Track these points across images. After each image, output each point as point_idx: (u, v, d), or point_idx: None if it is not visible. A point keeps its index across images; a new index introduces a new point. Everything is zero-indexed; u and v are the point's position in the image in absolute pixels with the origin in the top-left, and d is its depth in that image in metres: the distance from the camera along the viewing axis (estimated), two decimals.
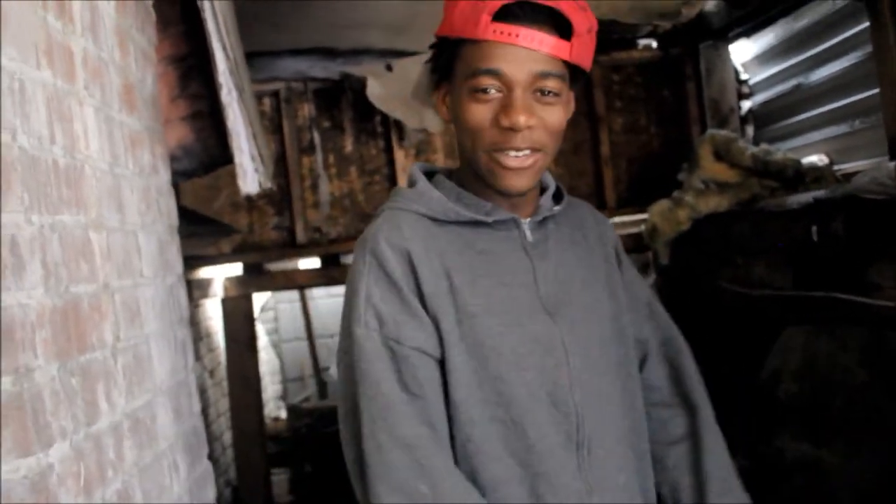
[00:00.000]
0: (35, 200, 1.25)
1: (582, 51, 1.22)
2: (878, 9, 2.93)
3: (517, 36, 1.17)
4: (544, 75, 1.19)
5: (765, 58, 4.18)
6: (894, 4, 2.81)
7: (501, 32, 1.17)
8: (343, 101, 4.30)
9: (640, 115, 4.57)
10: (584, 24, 1.20)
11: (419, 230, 1.25)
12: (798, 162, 3.63)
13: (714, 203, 3.85)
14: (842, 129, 3.56)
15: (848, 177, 3.37)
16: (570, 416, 1.24)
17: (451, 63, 1.26)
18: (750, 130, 4.39)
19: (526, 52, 1.18)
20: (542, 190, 1.39)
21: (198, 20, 2.23)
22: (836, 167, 3.56)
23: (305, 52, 4.12)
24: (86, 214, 1.46)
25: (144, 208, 1.82)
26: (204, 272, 4.31)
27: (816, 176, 3.54)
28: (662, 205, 4.01)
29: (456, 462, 1.20)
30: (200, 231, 3.56)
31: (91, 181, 1.50)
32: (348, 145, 4.35)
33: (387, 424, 1.16)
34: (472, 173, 1.30)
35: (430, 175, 1.37)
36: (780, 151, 3.81)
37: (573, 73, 1.25)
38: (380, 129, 4.35)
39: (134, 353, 1.64)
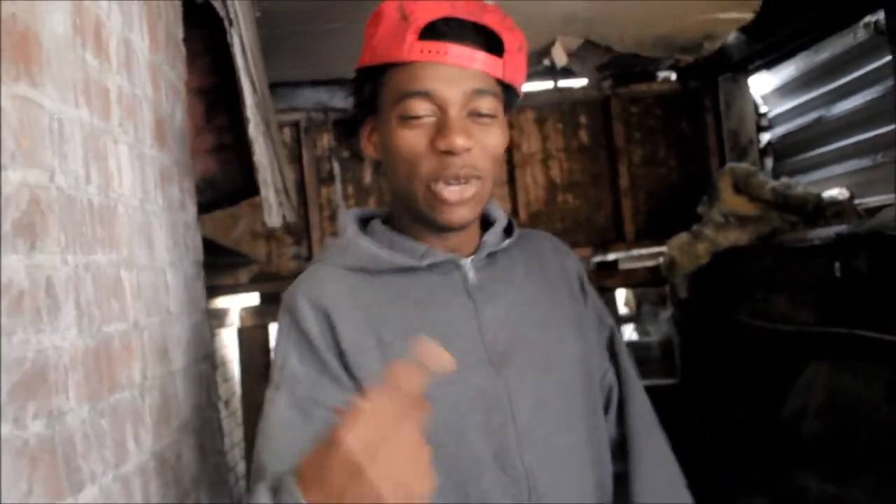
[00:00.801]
0: (71, 241, 1.25)
1: (514, 69, 1.15)
2: None
3: (446, 53, 1.09)
4: (478, 93, 1.11)
5: (785, 90, 4.18)
6: None
7: (429, 51, 1.09)
8: None
9: (660, 147, 4.57)
10: (515, 41, 1.13)
11: (344, 285, 1.16)
12: (819, 196, 3.62)
13: (734, 237, 3.83)
14: (863, 162, 3.55)
15: (870, 211, 3.35)
16: (519, 481, 1.12)
17: (375, 93, 1.18)
18: (769, 163, 4.38)
19: (457, 69, 1.10)
20: (489, 224, 1.28)
21: (223, 53, 2.24)
22: (857, 201, 3.55)
23: (326, 82, 4.14)
24: (118, 253, 1.45)
25: (172, 244, 1.81)
26: (220, 301, 4.31)
27: (837, 210, 3.52)
28: (681, 238, 4.00)
29: None
30: (219, 261, 3.56)
31: (123, 219, 1.49)
32: (367, 176, 4.35)
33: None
34: (407, 212, 1.20)
35: (367, 221, 1.28)
36: (801, 185, 3.80)
37: (507, 96, 1.18)
38: None
39: (161, 392, 1.62)
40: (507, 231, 1.29)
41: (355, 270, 1.18)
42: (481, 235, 1.26)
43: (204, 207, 2.49)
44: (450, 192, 1.12)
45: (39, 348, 1.13)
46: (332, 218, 4.30)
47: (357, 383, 1.11)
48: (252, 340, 4.34)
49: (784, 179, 3.88)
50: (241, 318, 4.32)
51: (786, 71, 4.12)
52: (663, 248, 4.19)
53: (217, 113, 2.48)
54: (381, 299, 1.16)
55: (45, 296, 1.15)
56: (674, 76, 4.57)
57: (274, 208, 2.21)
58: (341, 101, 4.17)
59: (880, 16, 3.15)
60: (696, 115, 4.58)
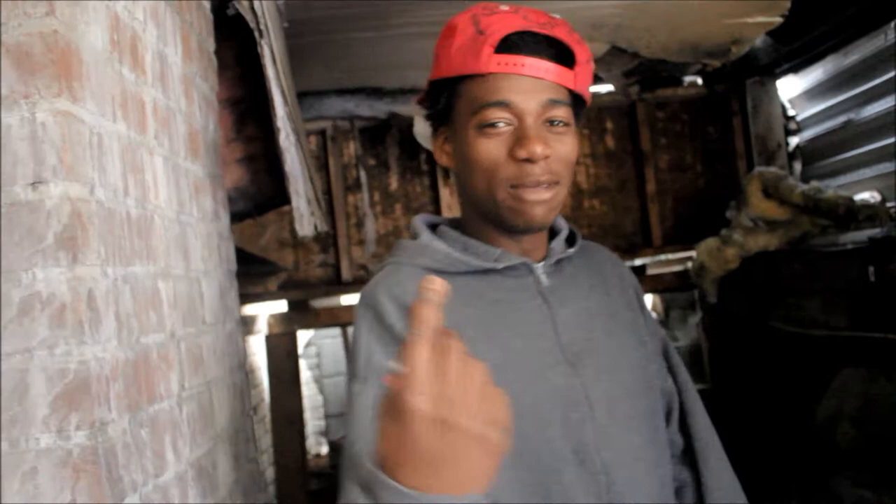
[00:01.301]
0: (110, 253, 1.26)
1: (584, 80, 1.20)
2: None
3: (522, 66, 1.14)
4: (553, 103, 1.15)
5: (813, 94, 4.15)
6: None
7: (506, 63, 1.14)
8: (388, 139, 4.33)
9: (686, 151, 4.55)
10: (584, 54, 1.18)
11: None
12: (850, 199, 3.58)
13: (764, 241, 3.80)
14: (894, 165, 3.51)
15: None
16: (597, 476, 1.15)
17: (451, 105, 1.22)
18: (798, 167, 4.34)
19: (533, 81, 1.14)
20: (555, 233, 1.33)
21: (253, 64, 2.25)
22: (889, 204, 3.51)
23: (352, 91, 4.16)
24: (155, 264, 1.47)
25: (207, 254, 1.82)
26: (248, 309, 4.33)
27: (870, 214, 3.49)
28: (710, 243, 3.97)
29: None
30: (248, 270, 3.58)
31: (160, 231, 1.51)
32: (393, 183, 4.36)
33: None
34: (482, 217, 1.24)
35: (434, 227, 1.32)
36: (831, 189, 3.76)
37: (576, 106, 1.22)
38: (425, 166, 4.37)
39: (197, 402, 1.63)
40: (569, 241, 1.34)
41: (431, 271, 1.20)
42: (548, 243, 1.30)
43: (235, 217, 2.51)
44: (532, 194, 1.16)
45: (82, 360, 1.15)
46: (359, 225, 4.31)
47: None
48: (280, 347, 4.36)
49: (814, 183, 3.85)
50: (269, 325, 4.34)
51: (814, 74, 4.09)
52: (691, 253, 4.16)
53: (246, 123, 2.50)
54: (459, 300, 1.16)
55: (86, 308, 1.16)
56: (700, 80, 4.54)
57: (305, 218, 2.22)
58: (367, 109, 4.19)
59: None
60: (722, 119, 4.55)
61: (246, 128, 2.49)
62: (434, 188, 4.35)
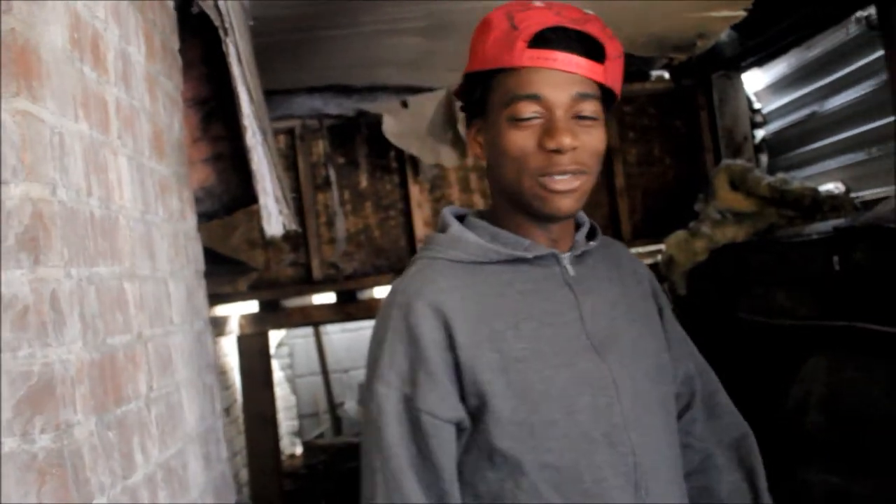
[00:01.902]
0: (74, 254, 1.25)
1: (614, 75, 1.23)
2: (893, 37, 2.94)
3: (554, 60, 1.18)
4: (583, 97, 1.19)
5: (778, 87, 4.20)
6: None
7: (538, 58, 1.18)
8: (357, 137, 4.32)
9: (654, 145, 4.58)
10: (614, 49, 1.22)
11: (455, 279, 1.23)
12: (815, 191, 3.63)
13: (731, 233, 3.84)
14: (858, 156, 3.57)
15: (867, 204, 3.36)
16: (626, 457, 1.20)
17: (485, 97, 1.26)
18: (764, 159, 4.39)
19: (563, 75, 1.18)
20: (578, 226, 1.37)
21: (219, 63, 2.24)
22: (853, 195, 3.56)
23: (320, 89, 4.14)
24: (120, 265, 1.45)
25: (173, 254, 1.81)
26: (219, 310, 4.30)
27: (834, 204, 3.54)
28: (679, 235, 4.00)
29: None
30: (217, 270, 3.56)
31: (125, 231, 1.49)
32: (363, 181, 4.36)
33: (398, 492, 1.15)
34: (510, 208, 1.28)
35: (460, 218, 1.35)
36: (797, 180, 3.81)
37: (605, 99, 1.26)
38: (394, 164, 4.36)
39: (166, 402, 1.62)
40: (590, 234, 1.38)
41: (463, 263, 1.25)
42: (573, 235, 1.34)
43: (202, 217, 2.49)
44: (559, 182, 1.20)
45: (45, 362, 1.13)
46: (329, 224, 4.29)
47: (471, 375, 1.18)
48: (252, 348, 4.34)
49: (780, 175, 3.89)
50: (241, 326, 4.32)
51: (779, 67, 4.13)
52: (660, 247, 4.19)
53: (213, 122, 2.48)
54: (490, 290, 1.23)
55: (49, 309, 1.15)
56: (667, 75, 4.57)
57: (274, 217, 2.21)
58: (335, 107, 4.18)
59: (872, 11, 3.16)
60: (689, 113, 4.59)
61: (212, 127, 2.47)
62: (404, 185, 4.35)
